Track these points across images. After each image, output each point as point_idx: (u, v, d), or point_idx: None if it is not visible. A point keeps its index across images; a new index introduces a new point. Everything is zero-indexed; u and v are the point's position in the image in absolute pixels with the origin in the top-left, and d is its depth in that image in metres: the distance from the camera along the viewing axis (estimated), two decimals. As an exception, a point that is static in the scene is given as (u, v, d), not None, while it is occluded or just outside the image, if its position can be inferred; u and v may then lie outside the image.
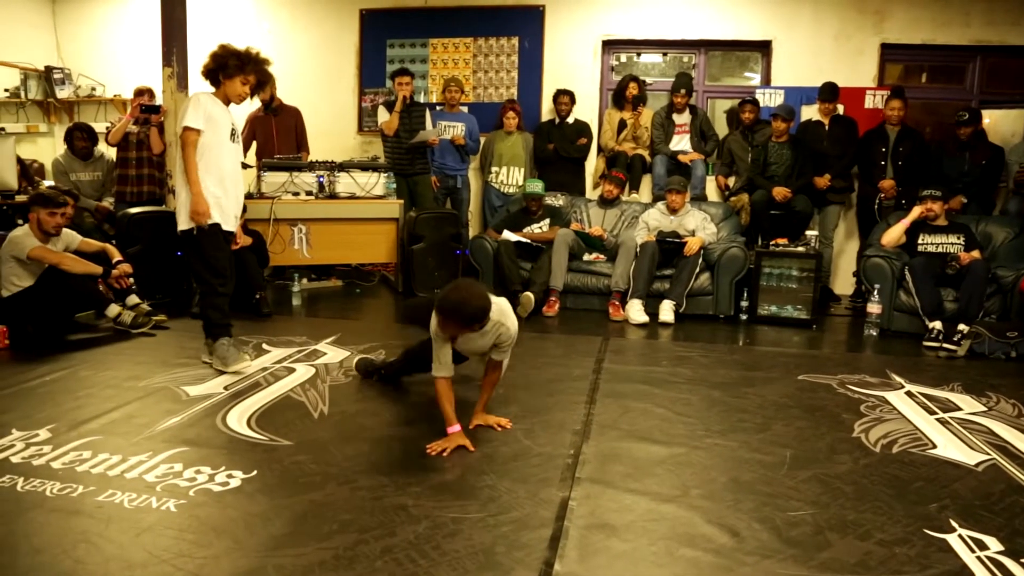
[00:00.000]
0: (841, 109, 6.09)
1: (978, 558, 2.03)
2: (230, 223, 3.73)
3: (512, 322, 2.79)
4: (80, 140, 5.93)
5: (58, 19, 7.53)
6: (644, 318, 5.01)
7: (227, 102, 3.66)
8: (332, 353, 4.03)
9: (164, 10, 5.59)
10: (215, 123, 3.58)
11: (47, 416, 2.96)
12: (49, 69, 7.31)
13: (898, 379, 3.80)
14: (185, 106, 3.61)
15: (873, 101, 6.28)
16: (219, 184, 3.61)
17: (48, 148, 7.38)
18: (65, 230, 4.45)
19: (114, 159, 5.99)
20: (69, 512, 2.18)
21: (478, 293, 2.61)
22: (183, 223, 3.59)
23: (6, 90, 7.42)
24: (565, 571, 1.92)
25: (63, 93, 7.37)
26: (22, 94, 7.38)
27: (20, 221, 4.82)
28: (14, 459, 2.54)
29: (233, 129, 3.69)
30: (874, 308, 4.87)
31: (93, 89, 7.37)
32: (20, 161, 6.29)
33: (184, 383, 3.44)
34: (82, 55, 7.50)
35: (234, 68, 3.56)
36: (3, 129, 6.91)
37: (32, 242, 4.24)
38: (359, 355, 3.82)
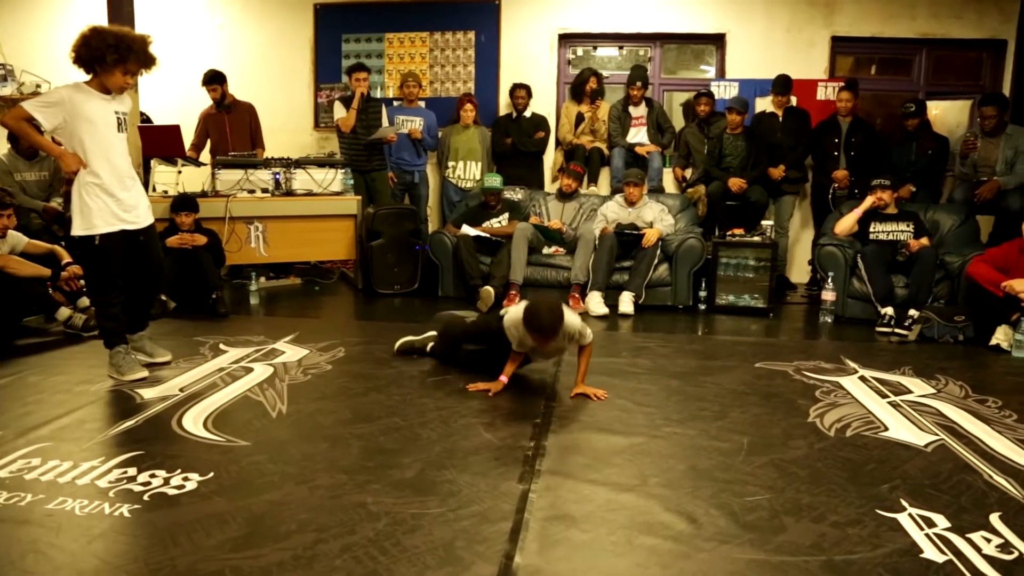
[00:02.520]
0: (794, 101, 6.19)
1: (927, 535, 2.09)
2: (143, 219, 3.53)
3: (573, 318, 3.24)
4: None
5: (-2, 13, 7.30)
6: (604, 310, 5.04)
7: (105, 91, 3.36)
8: (291, 352, 3.99)
9: (111, 5, 5.46)
10: (95, 121, 3.31)
11: (-6, 423, 2.88)
12: (-10, 66, 7.09)
13: (852, 364, 3.89)
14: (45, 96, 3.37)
15: (825, 93, 6.40)
16: (119, 185, 3.40)
17: (-9, 148, 7.16)
18: (11, 232, 4.33)
19: (62, 158, 5.82)
20: (17, 522, 2.12)
21: (558, 309, 3.08)
22: (78, 228, 3.36)
23: (-55, 88, 7.17)
24: (525, 563, 1.93)
25: (5, 90, 7.13)
26: (-38, 92, 7.14)
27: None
28: (-42, 468, 2.46)
29: (120, 119, 3.41)
30: (828, 295, 4.97)
31: (38, 86, 7.13)
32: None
33: (138, 386, 3.37)
34: (25, 51, 7.26)
35: (113, 62, 3.26)
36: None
37: (-25, 245, 4.12)
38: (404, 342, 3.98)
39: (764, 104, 6.25)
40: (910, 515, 2.21)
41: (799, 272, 6.46)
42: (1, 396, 3.24)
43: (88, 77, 3.38)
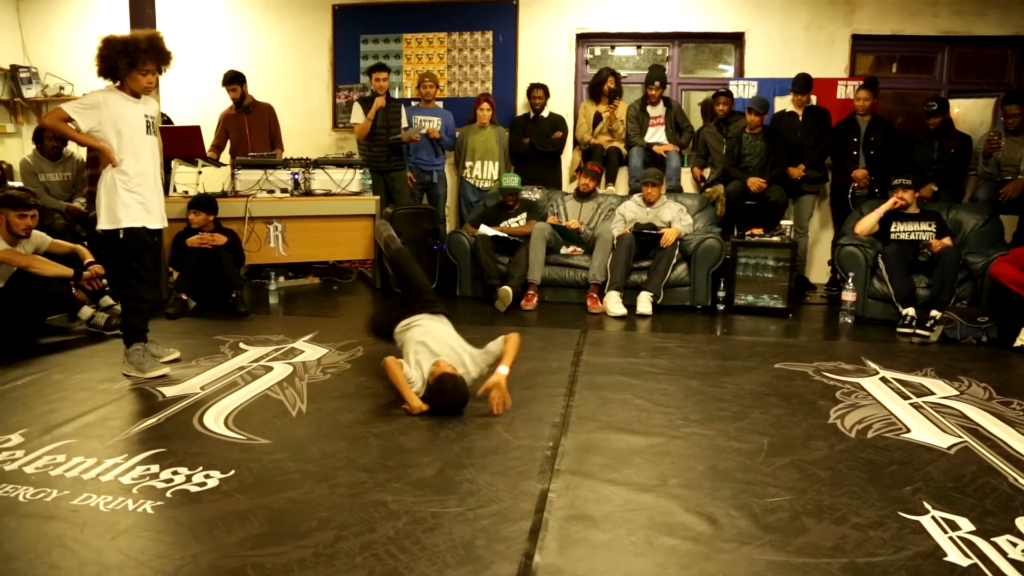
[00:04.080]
0: (814, 100, 6.13)
1: (950, 538, 2.06)
2: (160, 220, 3.67)
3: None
4: (50, 140, 5.81)
5: (23, 17, 7.39)
6: (622, 310, 5.03)
7: (134, 95, 3.49)
8: (310, 351, 4.01)
9: (133, 7, 5.51)
10: (127, 123, 3.46)
11: (19, 421, 2.92)
12: (15, 68, 7.18)
13: (873, 365, 3.85)
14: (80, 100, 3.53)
15: (845, 92, 6.34)
16: (143, 184, 3.53)
17: (16, 149, 7.25)
18: (34, 232, 4.39)
19: (84, 159, 5.89)
20: (43, 517, 2.15)
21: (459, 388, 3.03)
22: (104, 222, 3.48)
23: (-30, 90, 7.29)
24: (545, 563, 1.93)
25: (30, 92, 7.24)
26: (-13, 94, 7.25)
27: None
28: (-15, 465, 2.50)
29: (148, 121, 3.54)
30: (849, 296, 4.93)
31: (61, 88, 7.25)
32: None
33: (160, 384, 3.40)
34: (49, 54, 7.37)
35: (126, 67, 3.39)
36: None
37: (0, 244, 4.17)
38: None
39: (784, 103, 6.20)
40: (933, 518, 2.18)
41: (819, 272, 6.41)
42: (26, 394, 3.28)
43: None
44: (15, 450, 2.62)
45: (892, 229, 5.04)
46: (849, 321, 4.90)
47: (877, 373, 3.72)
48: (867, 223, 5.08)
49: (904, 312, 4.67)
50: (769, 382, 3.56)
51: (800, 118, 5.97)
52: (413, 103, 6.57)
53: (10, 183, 5.94)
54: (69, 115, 3.38)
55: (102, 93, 3.48)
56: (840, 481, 2.44)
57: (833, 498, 2.31)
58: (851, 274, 4.96)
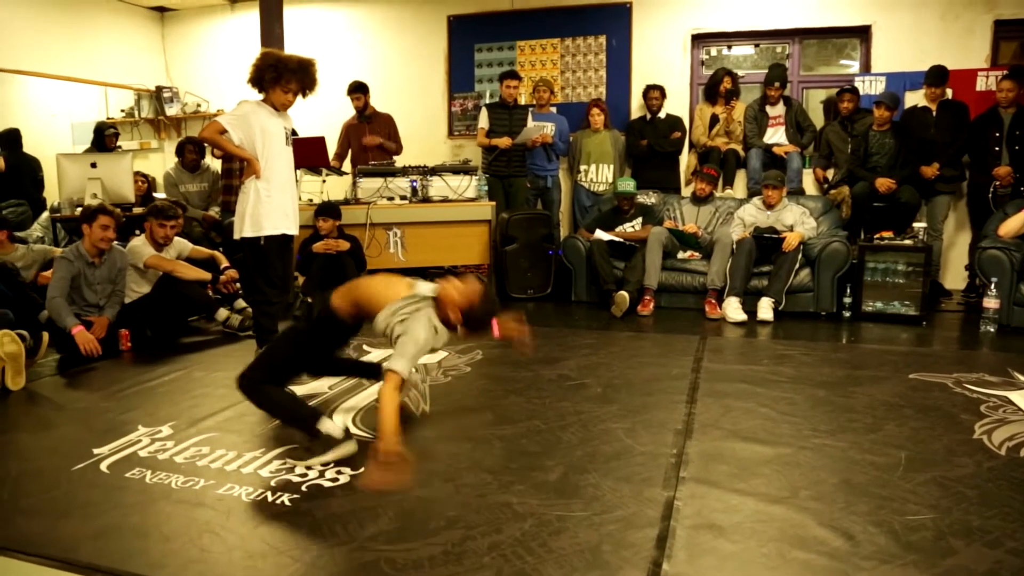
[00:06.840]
0: (950, 93, 5.77)
1: (1125, 569, 1.89)
2: (295, 227, 3.91)
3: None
4: (190, 153, 6.24)
5: (167, 41, 7.97)
6: (742, 316, 4.88)
7: (275, 107, 3.73)
8: (430, 353, 4.09)
9: (263, 27, 5.83)
10: (268, 134, 3.67)
11: (168, 414, 3.14)
12: (159, 89, 7.75)
13: (1022, 378, 3.57)
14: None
15: (986, 83, 5.92)
16: (283, 192, 3.74)
17: (159, 163, 7.82)
18: (177, 238, 4.71)
19: (219, 171, 6.28)
20: (193, 504, 2.30)
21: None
22: (247, 230, 3.70)
23: (122, 110, 7.91)
24: (674, 571, 1.90)
25: (171, 111, 7.80)
26: (136, 113, 7.85)
27: (138, 232, 5.11)
28: (142, 453, 2.71)
29: (286, 134, 3.76)
30: (991, 303, 4.60)
31: (199, 105, 7.77)
32: (146, 177, 6.69)
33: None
34: (188, 73, 7.92)
35: (271, 80, 3.63)
36: (120, 147, 7.36)
37: (149, 251, 4.50)
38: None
39: (915, 98, 5.86)
40: (1104, 545, 2.00)
41: (954, 278, 6.01)
42: (172, 389, 3.53)
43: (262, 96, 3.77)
44: (166, 440, 2.83)
45: (1042, 231, 4.67)
46: (992, 330, 4.57)
47: (1027, 386, 3.45)
48: (1013, 224, 4.72)
49: (1056, 320, 4.32)
50: (904, 393, 3.37)
51: (934, 113, 5.62)
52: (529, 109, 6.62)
53: (154, 195, 6.41)
54: (224, 127, 3.62)
55: (250, 104, 3.72)
56: (990, 501, 2.27)
57: (983, 519, 2.16)
58: (994, 279, 4.62)
